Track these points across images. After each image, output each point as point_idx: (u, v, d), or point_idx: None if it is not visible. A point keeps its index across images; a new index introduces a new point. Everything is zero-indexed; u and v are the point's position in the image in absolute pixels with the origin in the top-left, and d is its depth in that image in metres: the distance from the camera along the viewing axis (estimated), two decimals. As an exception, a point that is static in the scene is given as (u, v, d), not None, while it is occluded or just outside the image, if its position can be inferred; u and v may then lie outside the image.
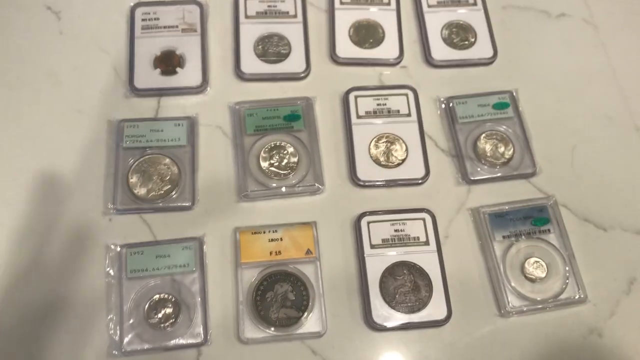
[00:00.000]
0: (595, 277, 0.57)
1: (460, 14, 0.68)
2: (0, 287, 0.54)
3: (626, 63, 0.68)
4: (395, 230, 0.57)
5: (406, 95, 0.64)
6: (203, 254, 0.56)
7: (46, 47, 0.65)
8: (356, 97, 0.63)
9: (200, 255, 0.55)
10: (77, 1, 0.67)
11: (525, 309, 0.55)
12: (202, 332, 0.53)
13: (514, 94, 0.64)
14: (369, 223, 0.58)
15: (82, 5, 0.66)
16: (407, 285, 0.55)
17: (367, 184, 0.60)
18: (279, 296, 0.54)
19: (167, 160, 0.59)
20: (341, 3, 0.68)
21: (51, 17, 0.66)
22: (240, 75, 0.64)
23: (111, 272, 0.55)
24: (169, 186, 0.58)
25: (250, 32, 0.65)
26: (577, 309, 0.56)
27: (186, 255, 0.55)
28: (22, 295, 0.54)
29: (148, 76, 0.62)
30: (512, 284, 0.56)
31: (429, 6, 0.68)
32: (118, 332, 0.53)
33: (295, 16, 0.66)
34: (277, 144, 0.60)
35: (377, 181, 0.60)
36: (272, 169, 0.59)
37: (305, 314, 0.54)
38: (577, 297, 0.56)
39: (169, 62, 0.63)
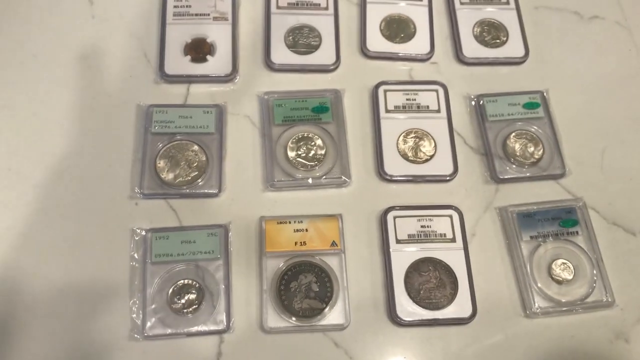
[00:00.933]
0: (623, 281, 0.57)
1: (492, 12, 0.68)
2: (29, 264, 0.54)
3: (659, 67, 0.67)
4: (422, 226, 0.57)
5: (436, 91, 0.63)
6: (228, 242, 0.55)
7: (78, 30, 0.65)
8: (385, 91, 0.63)
9: (225, 243, 0.55)
10: (110, -14, 0.67)
11: (551, 310, 0.55)
12: (224, 319, 0.53)
13: (545, 94, 0.64)
14: (395, 218, 0.57)
15: (115, -11, 0.67)
16: (432, 281, 0.55)
17: (394, 178, 0.59)
18: (303, 287, 0.54)
19: (195, 147, 0.59)
20: (373, -3, 0.67)
21: (84, 1, 0.66)
22: (270, 65, 0.63)
23: (136, 255, 0.54)
24: (196, 172, 0.58)
25: (281, 22, 0.65)
26: (603, 313, 0.55)
27: (211, 242, 0.55)
28: (48, 273, 0.54)
29: (178, 63, 0.62)
30: (539, 285, 0.55)
31: (461, 3, 0.68)
32: (141, 316, 0.52)
33: (326, 8, 0.66)
34: (305, 135, 0.60)
35: (404, 176, 0.59)
36: (299, 159, 0.59)
37: (329, 305, 0.53)
38: (604, 301, 0.55)
39: (199, 49, 0.63)
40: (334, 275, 0.54)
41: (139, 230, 0.55)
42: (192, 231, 0.56)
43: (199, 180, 0.58)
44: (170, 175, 0.57)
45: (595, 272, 0.56)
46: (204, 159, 0.58)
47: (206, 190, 0.57)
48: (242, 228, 0.57)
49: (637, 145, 0.63)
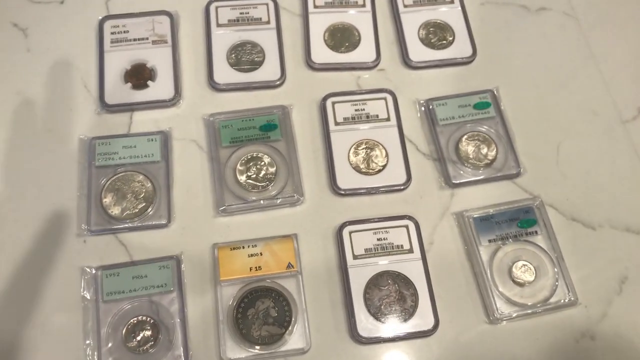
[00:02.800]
0: (585, 278, 0.56)
1: (437, 12, 0.67)
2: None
3: (610, 55, 0.66)
4: (378, 239, 0.56)
5: (384, 99, 0.62)
6: (181, 273, 0.54)
7: (13, 65, 0.63)
8: (333, 103, 0.61)
9: (178, 274, 0.54)
10: (44, 17, 0.65)
11: (514, 314, 0.54)
12: (182, 354, 0.51)
13: (495, 92, 0.63)
14: (350, 233, 0.56)
15: (49, 21, 0.65)
16: (392, 295, 0.54)
17: (347, 192, 0.58)
18: (261, 313, 0.53)
19: (141, 177, 0.57)
20: (315, 6, 0.66)
21: (18, 34, 0.64)
22: (213, 85, 0.62)
23: (87, 295, 0.53)
24: (144, 204, 0.56)
25: (223, 40, 0.64)
26: (567, 312, 0.55)
27: (164, 275, 0.54)
28: (-6, 324, 0.52)
29: (119, 91, 0.61)
30: (500, 290, 0.55)
31: (405, 6, 0.67)
32: (96, 358, 0.51)
33: (268, 22, 0.65)
34: (254, 155, 0.59)
35: (358, 189, 0.58)
36: (250, 181, 0.58)
37: (288, 330, 0.52)
38: (567, 300, 0.55)
39: (139, 75, 0.61)
40: (292, 298, 0.53)
41: (88, 269, 0.54)
42: (143, 265, 0.54)
43: (148, 211, 0.56)
44: (117, 209, 0.56)
45: (556, 271, 0.55)
46: (150, 188, 0.57)
47: (155, 222, 0.56)
48: (195, 257, 0.55)
49: (592, 137, 0.62)
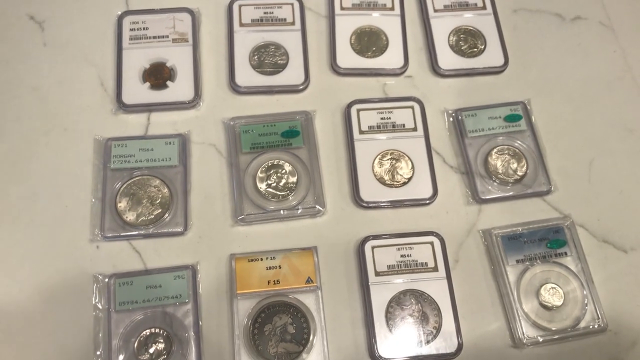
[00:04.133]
0: (615, 303, 0.54)
1: (469, 18, 0.64)
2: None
3: (647, 69, 0.64)
4: (402, 256, 0.54)
5: (412, 107, 0.60)
6: (196, 284, 0.52)
7: (29, 59, 0.61)
8: (358, 110, 0.59)
9: (193, 285, 0.52)
10: (61, 9, 0.63)
11: (540, 339, 0.52)
12: (195, 369, 0.50)
13: (527, 105, 0.60)
14: (373, 248, 0.54)
15: (67, 14, 0.62)
16: (414, 315, 0.52)
17: (371, 205, 0.56)
18: (278, 329, 0.51)
19: (157, 182, 0.55)
20: (342, 8, 0.63)
21: (34, 27, 0.62)
22: (235, 88, 0.60)
23: (99, 304, 0.51)
24: (160, 210, 0.54)
25: (245, 41, 0.61)
26: (596, 339, 0.53)
27: (178, 286, 0.52)
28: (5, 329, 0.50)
29: (137, 90, 0.59)
30: (527, 312, 0.53)
31: (435, 10, 0.64)
32: (106, 370, 0.49)
33: (293, 23, 0.62)
34: (275, 163, 0.57)
35: (382, 202, 0.56)
36: (270, 189, 0.55)
37: (306, 348, 0.50)
38: (596, 326, 0.52)
39: (158, 75, 0.59)
40: (311, 315, 0.51)
41: (100, 277, 0.52)
42: (157, 275, 0.52)
43: (164, 218, 0.54)
44: (132, 215, 0.54)
45: (586, 295, 0.53)
46: (167, 194, 0.55)
47: (171, 229, 0.54)
48: (212, 268, 0.53)
49: (626, 154, 0.60)
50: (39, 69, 0.60)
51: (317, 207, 0.55)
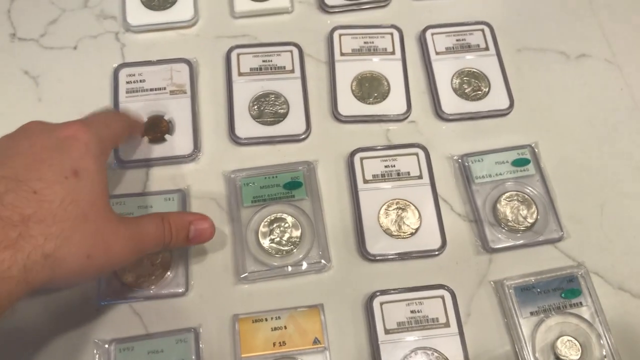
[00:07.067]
0: (635, 354, 0.52)
1: (471, 60, 0.63)
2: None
3: (655, 107, 0.62)
4: (412, 312, 0.52)
5: (416, 154, 0.58)
6: (199, 348, 0.50)
7: (25, 115, 0.59)
8: (362, 159, 0.58)
9: (196, 349, 0.50)
10: (56, 64, 0.61)
11: (559, 396, 0.50)
12: None
13: (534, 147, 0.59)
14: (382, 304, 0.52)
15: (62, 68, 0.61)
16: (427, 374, 0.50)
17: (377, 257, 0.54)
18: (286, 394, 0.49)
19: (157, 241, 0.53)
20: (342, 54, 0.62)
21: (28, 82, 0.61)
22: (235, 139, 0.58)
23: (101, 372, 0.49)
24: (160, 270, 0.53)
25: (244, 90, 0.60)
26: (616, 393, 0.50)
27: (181, 350, 0.50)
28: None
29: (134, 146, 0.57)
30: (544, 368, 0.51)
31: (437, 53, 0.63)
32: None
33: (292, 71, 0.61)
34: (278, 217, 0.55)
35: (389, 254, 0.54)
36: (273, 245, 0.54)
37: (315, 414, 0.48)
38: (616, 381, 0.50)
39: (156, 128, 0.58)
40: (319, 378, 0.49)
41: (101, 343, 0.50)
42: (159, 339, 0.50)
43: (164, 278, 0.52)
44: (132, 276, 0.52)
45: (603, 345, 0.51)
46: (167, 254, 0.53)
47: (172, 290, 0.52)
48: (214, 329, 0.51)
49: (638, 195, 0.58)
50: (34, 125, 0.58)
51: (323, 261, 0.53)
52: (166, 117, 0.58)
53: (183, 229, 0.48)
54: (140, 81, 0.60)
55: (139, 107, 0.59)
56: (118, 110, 0.58)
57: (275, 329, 0.51)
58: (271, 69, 0.61)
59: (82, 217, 0.39)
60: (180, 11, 0.63)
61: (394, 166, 0.58)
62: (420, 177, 0.57)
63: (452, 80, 0.62)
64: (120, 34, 0.63)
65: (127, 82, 0.60)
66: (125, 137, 0.51)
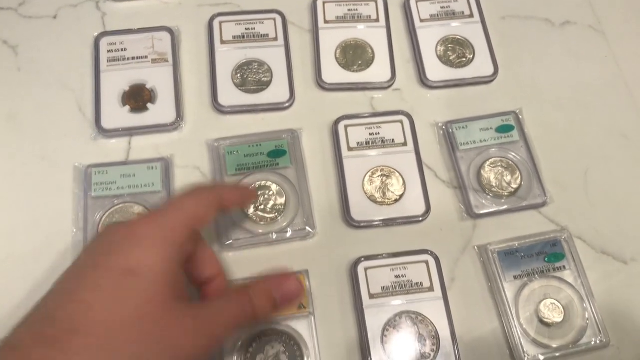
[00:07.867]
0: (617, 317, 0.52)
1: (456, 27, 0.63)
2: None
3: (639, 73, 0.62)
4: (396, 277, 0.52)
5: (401, 122, 0.58)
6: (185, 314, 0.50)
7: (3, 85, 0.59)
8: (346, 126, 0.57)
9: (181, 316, 0.50)
10: (35, 33, 0.61)
11: (542, 357, 0.50)
12: (186, 404, 0.47)
13: (519, 114, 0.59)
14: (366, 269, 0.52)
15: (41, 37, 0.60)
16: (411, 338, 0.50)
17: (362, 224, 0.54)
18: (271, 359, 0.49)
19: (140, 209, 0.53)
20: (325, 21, 0.62)
21: (7, 51, 0.60)
22: (218, 108, 0.58)
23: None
24: (145, 239, 0.52)
25: (228, 59, 0.59)
26: (598, 354, 0.51)
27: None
28: None
29: (117, 114, 0.57)
30: (527, 330, 0.51)
31: (422, 20, 0.63)
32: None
33: (275, 39, 0.61)
34: (262, 185, 0.55)
35: (374, 221, 0.54)
36: (258, 212, 0.54)
37: (301, 378, 0.48)
38: (598, 342, 0.51)
39: (138, 97, 0.57)
40: (304, 343, 0.50)
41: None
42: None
43: (148, 247, 0.52)
44: (116, 245, 0.52)
45: (586, 309, 0.52)
46: (151, 222, 0.53)
47: (157, 258, 0.52)
48: (200, 297, 0.51)
49: (623, 162, 0.58)
50: (14, 95, 0.58)
51: (307, 228, 0.53)
52: (148, 86, 0.58)
53: (268, 299, 0.43)
54: (122, 50, 0.59)
55: (120, 76, 0.58)
56: (219, 183, 0.55)
57: (260, 295, 0.51)
58: (254, 36, 0.60)
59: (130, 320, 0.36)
60: (162, -21, 0.62)
61: (379, 134, 0.57)
62: (404, 144, 0.57)
63: (436, 47, 0.61)
64: (100, 2, 0.62)
65: (108, 51, 0.59)
66: (211, 215, 0.44)
